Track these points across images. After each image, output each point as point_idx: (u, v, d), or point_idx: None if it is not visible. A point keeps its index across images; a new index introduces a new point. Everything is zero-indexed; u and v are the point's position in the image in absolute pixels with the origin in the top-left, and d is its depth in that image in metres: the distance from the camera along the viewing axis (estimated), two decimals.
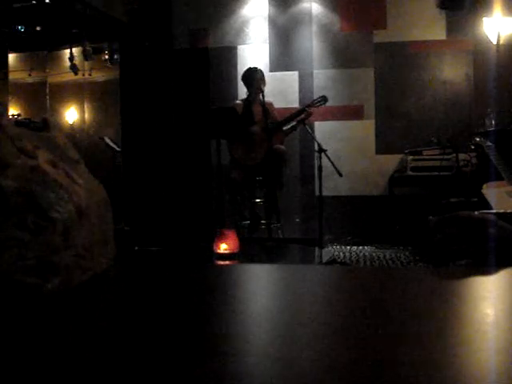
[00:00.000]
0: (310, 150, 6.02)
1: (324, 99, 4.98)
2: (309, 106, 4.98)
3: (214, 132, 4.45)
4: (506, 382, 0.39)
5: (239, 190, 4.95)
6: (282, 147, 5.01)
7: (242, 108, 5.11)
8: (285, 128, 5.09)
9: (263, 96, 5.09)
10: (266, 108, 5.14)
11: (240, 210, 5.07)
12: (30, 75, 7.92)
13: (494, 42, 5.28)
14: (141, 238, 5.74)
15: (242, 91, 5.56)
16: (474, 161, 5.26)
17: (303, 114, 4.93)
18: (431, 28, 6.12)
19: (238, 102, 5.31)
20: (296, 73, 6.36)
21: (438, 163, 5.50)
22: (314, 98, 5.33)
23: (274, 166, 4.87)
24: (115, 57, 7.04)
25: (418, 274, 0.88)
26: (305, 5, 6.35)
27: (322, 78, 6.30)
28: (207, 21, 6.50)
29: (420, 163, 5.64)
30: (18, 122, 6.20)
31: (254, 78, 5.15)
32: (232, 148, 5.06)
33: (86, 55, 6.47)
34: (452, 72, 6.11)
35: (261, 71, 5.21)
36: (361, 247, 5.68)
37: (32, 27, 6.46)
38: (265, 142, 4.90)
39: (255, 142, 4.98)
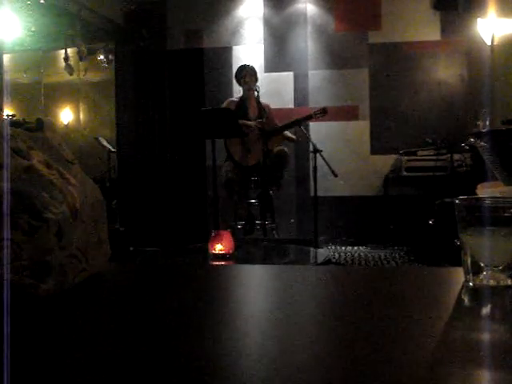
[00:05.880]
0: (304, 150, 6.02)
1: (324, 111, 4.94)
2: (309, 117, 4.95)
3: (209, 133, 4.44)
4: (500, 382, 0.40)
5: (236, 190, 4.94)
6: (285, 149, 5.01)
7: (236, 105, 5.11)
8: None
9: (258, 94, 5.10)
10: (262, 107, 5.14)
11: (236, 210, 5.07)
12: (24, 75, 7.90)
13: (488, 43, 5.29)
14: (136, 238, 5.74)
15: (238, 91, 5.56)
16: (468, 161, 5.27)
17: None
18: (426, 29, 6.13)
19: (232, 99, 5.32)
20: (291, 73, 6.36)
21: (432, 164, 5.51)
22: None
23: (276, 167, 4.88)
24: (110, 57, 7.03)
25: (412, 274, 0.88)
26: (300, 5, 6.35)
27: (317, 78, 6.31)
28: (202, 21, 6.49)
29: (415, 163, 5.65)
30: (12, 123, 6.15)
31: (242, 74, 5.17)
32: (229, 146, 5.05)
33: (80, 56, 6.45)
34: (446, 73, 6.12)
35: (251, 68, 5.20)
36: (356, 247, 5.69)
37: (27, 27, 6.43)
38: (261, 142, 4.90)
39: (251, 141, 4.97)
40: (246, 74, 5.14)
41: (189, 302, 0.66)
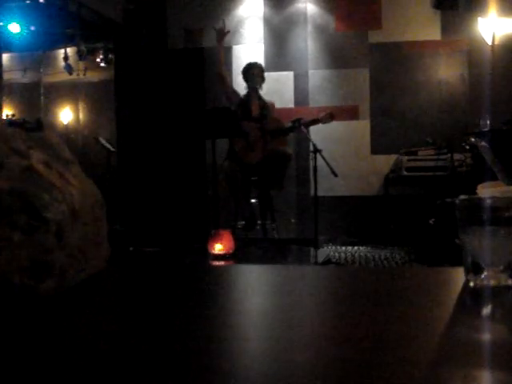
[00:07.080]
0: (305, 150, 6.02)
1: (331, 117, 4.92)
2: (316, 121, 4.93)
3: (210, 132, 4.44)
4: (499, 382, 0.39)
5: (240, 188, 4.93)
6: (288, 150, 5.00)
7: (239, 101, 5.11)
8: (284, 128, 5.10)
9: (257, 92, 5.10)
10: (265, 104, 5.14)
11: (238, 209, 5.06)
12: (24, 75, 7.89)
13: (489, 42, 5.30)
14: (135, 238, 5.73)
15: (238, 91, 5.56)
16: (468, 161, 5.26)
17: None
18: (426, 28, 6.13)
19: (238, 92, 5.31)
20: (291, 73, 6.36)
21: (433, 163, 5.51)
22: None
23: (278, 167, 4.86)
24: (110, 57, 7.03)
25: (412, 273, 0.88)
26: (300, 5, 6.35)
27: (317, 78, 6.30)
28: (202, 21, 6.49)
29: (415, 163, 5.65)
30: (11, 123, 6.16)
31: (248, 72, 5.18)
32: (234, 143, 5.05)
33: (80, 55, 6.45)
34: (447, 72, 6.12)
35: (258, 66, 5.21)
36: (356, 247, 5.69)
37: (26, 27, 6.44)
38: (262, 141, 4.90)
39: (253, 138, 4.97)
40: (253, 72, 5.15)
41: (188, 302, 0.65)
